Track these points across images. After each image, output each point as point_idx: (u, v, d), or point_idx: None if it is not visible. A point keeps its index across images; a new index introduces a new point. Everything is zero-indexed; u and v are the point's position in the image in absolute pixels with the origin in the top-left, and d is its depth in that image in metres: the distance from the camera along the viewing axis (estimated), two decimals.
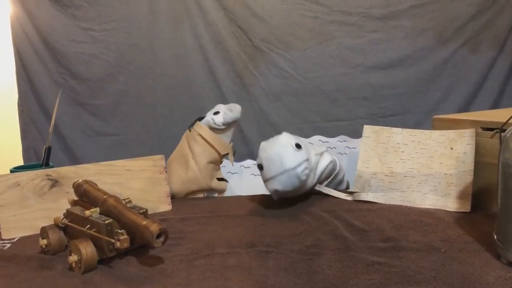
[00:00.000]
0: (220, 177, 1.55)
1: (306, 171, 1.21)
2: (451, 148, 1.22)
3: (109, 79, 1.95)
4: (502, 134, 0.90)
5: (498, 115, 1.17)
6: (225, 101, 1.97)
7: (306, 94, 1.98)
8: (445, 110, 1.87)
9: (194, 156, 1.47)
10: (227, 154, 1.52)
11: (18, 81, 1.93)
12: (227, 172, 1.79)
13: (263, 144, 1.26)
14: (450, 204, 1.17)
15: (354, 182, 1.34)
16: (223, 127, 1.47)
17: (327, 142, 1.86)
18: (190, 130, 1.51)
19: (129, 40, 1.94)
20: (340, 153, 1.84)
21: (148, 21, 1.94)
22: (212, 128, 1.48)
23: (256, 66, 1.97)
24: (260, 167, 1.23)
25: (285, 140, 1.24)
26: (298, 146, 1.23)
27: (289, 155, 1.20)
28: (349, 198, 1.32)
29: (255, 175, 1.80)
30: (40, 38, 1.90)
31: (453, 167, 1.20)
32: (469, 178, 1.17)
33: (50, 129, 1.44)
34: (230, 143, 1.53)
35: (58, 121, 1.88)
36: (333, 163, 1.43)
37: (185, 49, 1.96)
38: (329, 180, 1.44)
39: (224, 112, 1.47)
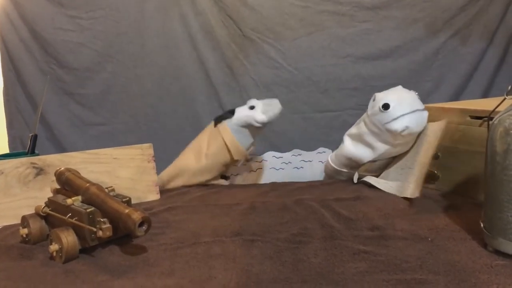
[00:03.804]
0: (226, 175, 1.54)
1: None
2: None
3: (97, 68, 1.92)
4: (490, 122, 0.89)
5: (487, 104, 1.17)
6: (214, 92, 1.95)
7: (296, 84, 1.96)
8: (436, 101, 1.85)
9: (208, 154, 1.43)
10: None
11: (3, 70, 1.90)
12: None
13: (384, 91, 1.34)
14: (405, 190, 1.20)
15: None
16: (260, 125, 1.39)
17: (281, 157, 1.75)
18: (215, 125, 1.44)
19: (117, 29, 1.91)
20: (297, 167, 1.73)
21: (137, 9, 1.90)
22: (249, 125, 1.40)
23: (246, 56, 1.95)
24: (386, 106, 1.26)
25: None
26: None
27: (417, 99, 1.28)
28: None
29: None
30: (26, 26, 1.86)
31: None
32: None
33: (37, 116, 1.42)
34: (250, 147, 1.47)
35: (45, 110, 1.85)
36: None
37: (175, 38, 1.93)
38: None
39: (264, 109, 1.38)
